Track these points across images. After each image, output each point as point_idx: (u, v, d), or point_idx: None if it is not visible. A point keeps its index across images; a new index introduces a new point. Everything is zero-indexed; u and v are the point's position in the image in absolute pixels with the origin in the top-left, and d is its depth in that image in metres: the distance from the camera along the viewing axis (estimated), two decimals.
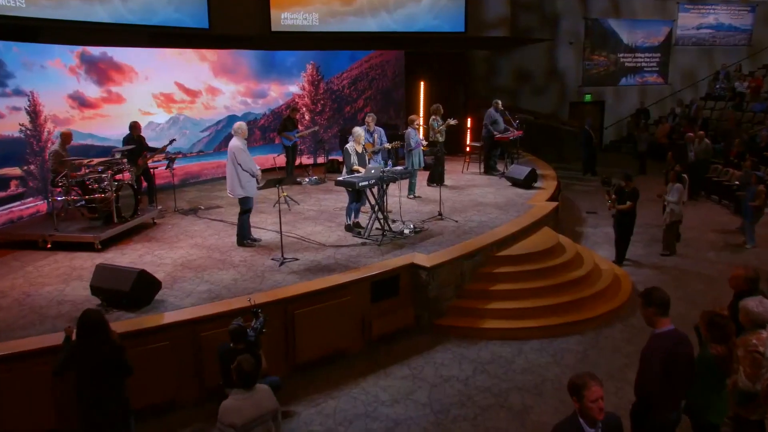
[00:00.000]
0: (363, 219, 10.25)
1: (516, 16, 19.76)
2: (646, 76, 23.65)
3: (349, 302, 7.75)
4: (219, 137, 14.31)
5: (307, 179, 13.97)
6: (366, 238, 9.53)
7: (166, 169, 11.47)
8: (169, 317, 6.78)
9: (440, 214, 10.67)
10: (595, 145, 19.18)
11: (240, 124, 9.11)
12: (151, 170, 11.64)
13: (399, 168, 9.99)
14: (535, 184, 13.19)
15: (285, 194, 11.62)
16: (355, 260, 8.62)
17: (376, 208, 9.62)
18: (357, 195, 9.69)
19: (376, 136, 11.22)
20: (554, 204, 11.61)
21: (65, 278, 8.10)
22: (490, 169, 14.70)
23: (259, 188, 9.06)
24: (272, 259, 8.69)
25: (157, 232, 10.17)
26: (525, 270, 9.11)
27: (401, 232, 9.74)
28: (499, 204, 11.73)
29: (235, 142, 9.02)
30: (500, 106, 14.47)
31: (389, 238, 9.49)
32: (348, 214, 9.97)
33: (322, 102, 15.99)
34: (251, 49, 14.71)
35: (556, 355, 7.87)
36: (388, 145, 11.49)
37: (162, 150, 11.51)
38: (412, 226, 9.95)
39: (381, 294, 8.12)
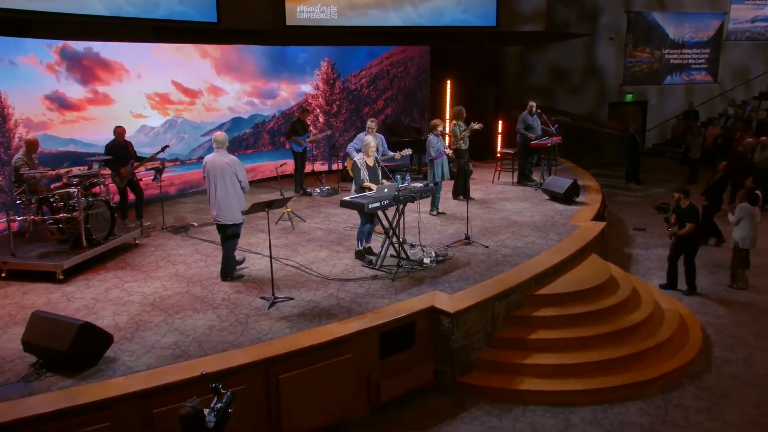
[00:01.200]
0: (377, 242, 8.59)
1: (552, 9, 17.87)
2: (693, 74, 21.50)
3: (352, 360, 6.08)
4: None
5: (318, 190, 12.33)
6: (378, 269, 7.85)
7: (153, 180, 9.91)
8: (113, 387, 5.18)
9: (467, 237, 8.93)
10: (641, 150, 17.18)
11: (225, 135, 7.50)
12: (140, 181, 10.10)
13: (418, 184, 8.28)
14: (577, 198, 11.35)
15: (289, 210, 10.06)
16: (363, 301, 6.94)
17: (390, 232, 7.94)
18: (369, 216, 8.02)
19: (378, 143, 9.56)
20: (601, 225, 9.78)
21: (6, 321, 6.57)
22: (524, 179, 12.89)
23: (244, 213, 7.42)
24: (261, 298, 7.05)
25: (136, 257, 8.62)
26: (571, 314, 7.34)
27: (420, 262, 8.04)
28: (536, 224, 9.94)
29: (229, 156, 7.41)
30: (535, 108, 12.65)
31: (405, 269, 7.80)
32: (359, 239, 8.30)
33: (337, 102, 14.33)
34: (262, 44, 13.09)
35: (613, 430, 6.09)
36: (394, 154, 9.75)
37: (152, 158, 9.97)
38: (433, 253, 8.24)
39: (392, 347, 6.45)
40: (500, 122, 15.43)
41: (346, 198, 7.71)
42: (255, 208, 6.90)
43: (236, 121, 12.99)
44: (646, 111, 21.41)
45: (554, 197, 11.42)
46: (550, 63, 19.85)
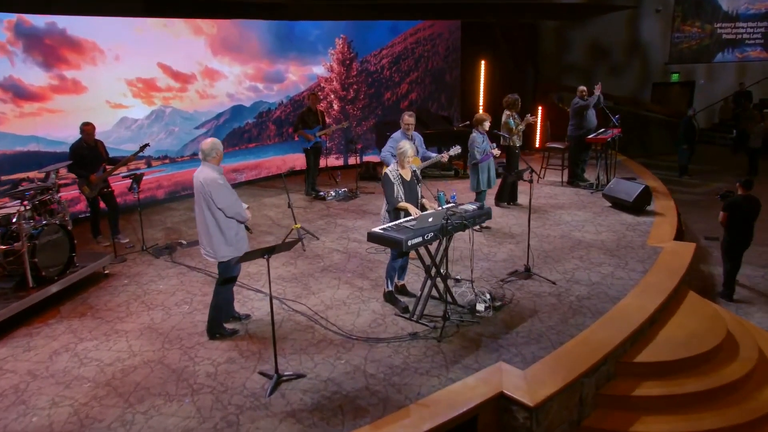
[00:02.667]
0: (412, 275, 6.54)
1: None
2: (748, 51, 19.06)
3: None
4: (220, 135, 10.64)
5: (332, 192, 10.22)
6: (417, 321, 5.78)
7: (129, 191, 7.85)
8: None
9: (527, 269, 6.84)
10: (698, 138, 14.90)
11: (212, 143, 5.37)
12: (112, 192, 8.06)
13: (470, 206, 6.15)
14: (649, 207, 9.21)
15: (298, 226, 8.00)
16: (401, 381, 4.88)
17: (433, 271, 5.86)
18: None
19: (416, 143, 7.42)
20: (691, 247, 7.63)
21: None
22: (576, 179, 10.73)
23: (236, 262, 5.35)
24: (260, 374, 5.00)
25: (102, 295, 6.59)
26: (683, 393, 5.25)
27: (472, 309, 5.96)
28: (606, 245, 7.82)
29: (207, 172, 5.33)
30: (587, 93, 10.42)
31: (454, 322, 5.73)
32: (388, 277, 6.21)
33: (355, 87, 12.16)
34: (267, 19, 10.89)
35: None
36: (441, 157, 7.67)
37: (129, 161, 7.92)
38: (487, 295, 6.16)
39: None
40: (540, 108, 13.25)
41: (377, 229, 5.57)
42: (250, 255, 4.80)
43: (237, 110, 10.86)
44: (693, 92, 19.06)
45: (618, 205, 9.28)
46: (590, 39, 17.51)
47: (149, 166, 9.77)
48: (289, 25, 11.27)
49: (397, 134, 7.40)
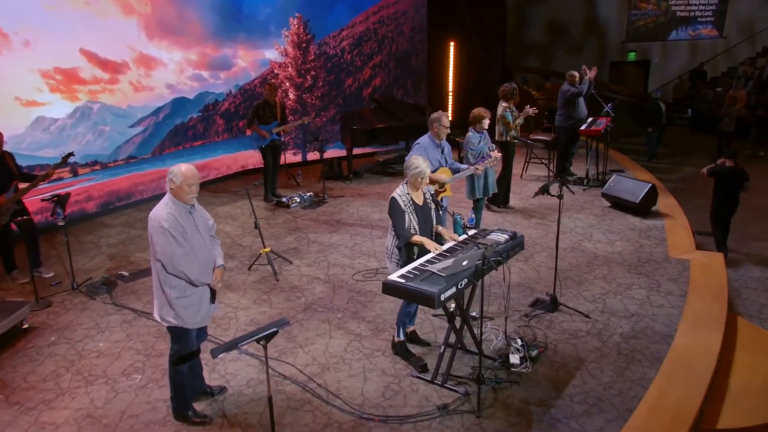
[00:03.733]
0: (420, 316, 5.24)
1: None
2: (699, 29, 18.53)
3: None
4: (160, 132, 8.94)
5: (297, 199, 8.73)
6: (442, 385, 4.49)
7: (53, 216, 6.13)
8: None
9: (554, 300, 5.64)
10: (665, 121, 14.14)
11: (177, 169, 3.80)
12: (25, 218, 6.31)
13: (501, 235, 4.84)
14: (654, 208, 8.23)
15: (267, 250, 6.55)
16: None
17: (458, 321, 4.58)
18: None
19: (445, 153, 6.02)
20: (720, 258, 6.67)
21: None
22: (565, 174, 9.66)
23: (217, 356, 3.82)
24: None
25: (20, 365, 4.95)
26: None
27: (504, 361, 4.73)
28: (625, 258, 6.75)
29: (160, 207, 3.81)
30: (578, 79, 9.31)
31: (489, 383, 4.47)
32: (400, 325, 4.88)
33: (312, 73, 10.61)
34: None
35: None
36: (475, 169, 6.25)
37: (47, 176, 6.21)
38: (519, 341, 4.93)
39: None
40: None
41: (395, 278, 4.19)
42: (221, 349, 3.33)
43: (179, 104, 9.15)
44: (648, 71, 18.43)
45: (620, 206, 8.26)
46: (548, 18, 16.52)
47: (75, 174, 8.00)
48: (235, 2, 9.57)
49: (424, 140, 5.86)
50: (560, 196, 5.60)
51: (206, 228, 3.99)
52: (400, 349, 4.90)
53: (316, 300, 5.89)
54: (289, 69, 10.33)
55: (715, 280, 6.16)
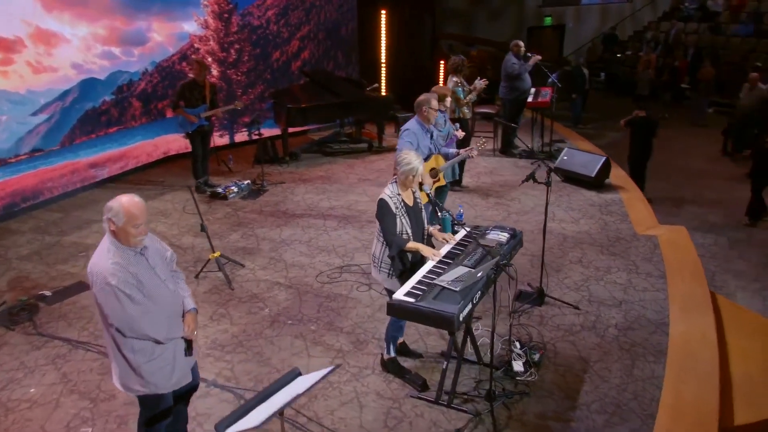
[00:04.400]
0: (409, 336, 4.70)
1: None
2: None
3: None
4: (69, 120, 7.75)
5: (234, 188, 7.87)
6: (449, 406, 3.99)
7: None
8: None
9: (540, 292, 5.26)
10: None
11: (118, 208, 2.94)
12: None
13: (503, 234, 4.31)
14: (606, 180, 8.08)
15: (217, 254, 5.77)
16: None
17: (468, 337, 4.08)
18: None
19: (435, 136, 5.43)
20: (684, 233, 6.57)
21: None
22: (509, 147, 9.34)
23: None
24: None
25: None
26: None
27: (507, 369, 4.30)
28: (594, 238, 6.52)
29: (99, 254, 2.95)
30: (522, 49, 8.94)
31: (499, 399, 4.02)
32: (390, 340, 4.31)
33: (236, 46, 9.60)
34: None
35: None
36: (469, 153, 5.59)
37: None
38: (517, 344, 4.52)
39: None
40: (442, 63, 11.64)
41: (401, 297, 3.57)
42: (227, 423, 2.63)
43: (88, 86, 7.95)
44: (563, 36, 18.53)
45: (573, 179, 8.04)
46: None
47: None
48: None
49: (413, 126, 5.20)
50: (548, 183, 5.19)
51: (165, 265, 3.12)
52: (392, 367, 4.34)
53: (281, 311, 5.20)
54: (211, 42, 9.26)
55: (687, 256, 6.04)
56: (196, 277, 5.74)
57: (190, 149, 7.79)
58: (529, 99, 8.89)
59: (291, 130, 9.28)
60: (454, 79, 7.54)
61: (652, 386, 4.20)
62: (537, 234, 6.57)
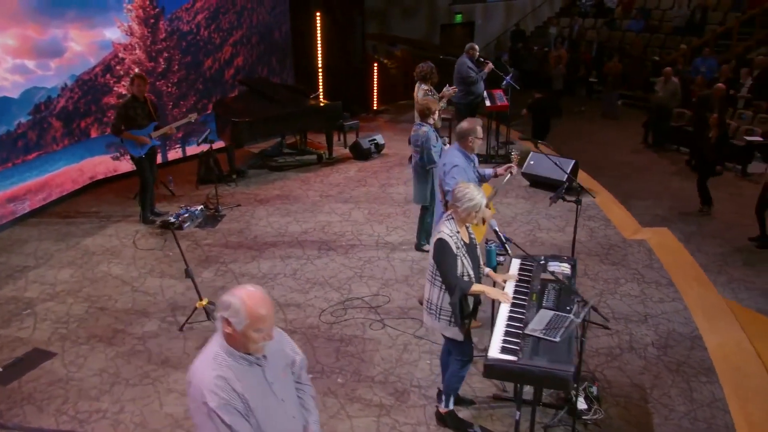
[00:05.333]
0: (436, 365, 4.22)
1: None
2: None
3: None
4: None
5: (186, 213, 6.95)
6: None
7: None
8: None
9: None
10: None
11: (239, 305, 2.10)
12: None
13: (562, 265, 3.91)
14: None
15: (205, 302, 5.00)
16: None
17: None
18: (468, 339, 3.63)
19: (476, 162, 4.85)
20: (669, 236, 6.59)
21: None
22: None
23: None
24: None
25: None
26: None
27: (571, 409, 3.94)
28: (587, 247, 6.36)
29: (205, 373, 2.17)
30: (478, 53, 8.68)
31: None
32: (451, 392, 3.81)
33: (165, 54, 8.56)
34: None
35: None
36: (508, 169, 4.93)
37: None
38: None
39: None
40: (375, 65, 11.22)
41: (498, 355, 3.06)
42: None
43: (0, 106, 6.69)
44: (473, 32, 18.61)
45: (541, 184, 7.89)
46: None
47: None
48: None
49: (458, 158, 4.57)
50: (578, 202, 4.89)
51: (288, 378, 2.40)
52: (452, 422, 3.86)
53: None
54: (137, 51, 8.17)
55: (681, 259, 6.05)
56: (181, 329, 4.91)
57: (117, 171, 6.78)
58: (487, 103, 8.62)
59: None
60: (424, 87, 7.10)
61: (719, 410, 4.02)
62: (529, 246, 6.30)
